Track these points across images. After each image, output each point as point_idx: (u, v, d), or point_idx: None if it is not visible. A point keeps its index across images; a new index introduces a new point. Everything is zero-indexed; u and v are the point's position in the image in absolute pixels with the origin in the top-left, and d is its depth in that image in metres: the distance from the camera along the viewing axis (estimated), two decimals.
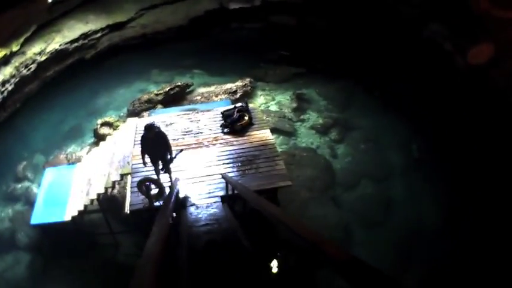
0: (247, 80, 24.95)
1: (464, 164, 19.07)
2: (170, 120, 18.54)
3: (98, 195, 15.40)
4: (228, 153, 16.45)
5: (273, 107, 23.75)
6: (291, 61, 27.42)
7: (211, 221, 12.43)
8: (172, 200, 10.36)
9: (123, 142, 17.31)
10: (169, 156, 13.95)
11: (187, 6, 29.81)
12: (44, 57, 23.23)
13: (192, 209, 13.70)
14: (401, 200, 18.77)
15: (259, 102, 23.89)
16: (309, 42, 28.50)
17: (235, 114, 17.62)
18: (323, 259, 4.53)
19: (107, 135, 19.48)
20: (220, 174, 14.84)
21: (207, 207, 13.80)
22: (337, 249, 4.39)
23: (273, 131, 18.43)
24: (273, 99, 24.43)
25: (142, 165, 14.02)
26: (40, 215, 16.06)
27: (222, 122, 17.93)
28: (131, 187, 14.98)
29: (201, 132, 17.69)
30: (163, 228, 6.87)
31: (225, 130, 17.55)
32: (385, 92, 23.75)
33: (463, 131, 20.13)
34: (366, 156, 20.88)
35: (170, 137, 14.29)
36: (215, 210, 13.44)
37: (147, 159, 13.76)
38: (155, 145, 13.35)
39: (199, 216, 13.01)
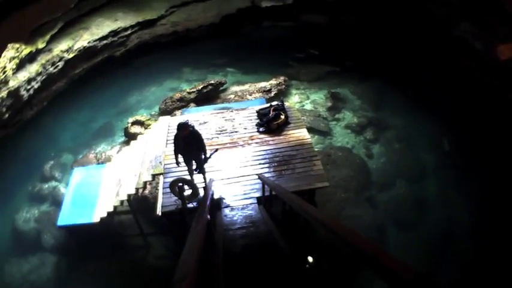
0: (282, 79, 24.53)
1: (497, 163, 18.89)
2: (204, 119, 18.10)
3: (129, 196, 14.95)
4: (263, 152, 15.97)
5: (308, 106, 23.34)
6: (324, 60, 27.11)
7: (247, 223, 12.08)
8: (208, 201, 9.83)
9: (155, 141, 16.87)
10: (203, 156, 13.46)
11: (219, 3, 29.55)
12: (71, 55, 22.82)
13: (227, 211, 13.32)
14: (434, 201, 18.54)
15: (294, 101, 23.47)
16: (341, 41, 28.16)
17: (271, 113, 17.16)
18: (376, 270, 4.35)
19: (138, 134, 19.20)
20: (256, 174, 14.39)
21: (243, 208, 13.42)
22: (397, 263, 4.18)
23: (309, 130, 17.79)
24: (308, 98, 24.03)
25: (175, 165, 13.62)
26: (67, 216, 15.61)
27: (258, 120, 17.47)
28: (163, 188, 14.56)
29: (236, 131, 17.21)
30: (200, 235, 6.46)
31: (261, 129, 17.07)
32: (418, 90, 23.53)
33: (496, 129, 19.90)
34: (400, 156, 20.59)
35: (204, 136, 13.74)
36: (251, 212, 13.08)
37: (181, 159, 13.31)
38: (189, 144, 12.84)
39: (235, 218, 12.66)
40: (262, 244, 10.25)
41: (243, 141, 16.65)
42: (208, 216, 9.82)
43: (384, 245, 16.52)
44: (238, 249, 10.06)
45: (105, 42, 25.03)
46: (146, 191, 17.57)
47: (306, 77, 25.90)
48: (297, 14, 29.94)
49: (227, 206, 13.68)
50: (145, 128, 19.97)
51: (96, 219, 15.05)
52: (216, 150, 14.60)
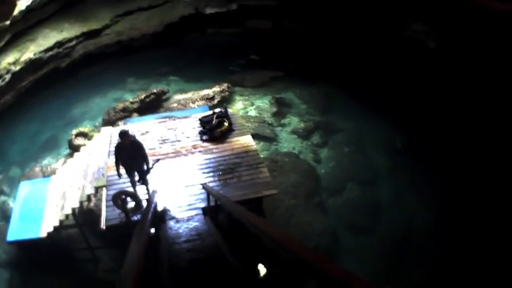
0: (225, 85, 24.64)
1: (450, 160, 19.29)
2: (146, 129, 18.00)
3: (73, 209, 14.90)
4: (208, 161, 15.87)
5: (252, 112, 23.42)
6: (269, 65, 27.22)
7: (193, 236, 11.93)
8: (150, 213, 9.85)
9: (97, 153, 16.79)
10: (145, 167, 13.31)
11: (163, 12, 29.93)
12: (18, 67, 22.93)
13: (172, 223, 13.13)
14: (388, 203, 18.75)
15: (238, 107, 23.49)
16: (286, 46, 28.42)
17: (214, 120, 17.07)
18: (317, 277, 4.32)
19: (81, 146, 18.90)
20: (201, 184, 14.35)
21: (188, 220, 13.23)
22: (334, 267, 4.11)
23: (254, 136, 17.87)
24: (252, 104, 24.08)
25: (117, 177, 13.44)
26: (16, 231, 15.56)
27: (201, 128, 17.37)
28: (106, 201, 14.33)
29: (179, 141, 17.11)
30: (141, 246, 6.45)
31: (204, 137, 16.98)
32: (366, 93, 23.56)
33: (448, 127, 20.45)
34: (350, 159, 20.75)
35: (146, 146, 13.72)
36: (197, 223, 12.91)
37: (122, 170, 13.19)
38: (130, 155, 12.74)
39: (180, 231, 12.48)
40: (210, 258, 10.17)
41: (186, 150, 16.53)
42: (153, 230, 9.86)
43: (338, 251, 16.89)
44: (184, 264, 9.95)
45: (50, 53, 25.16)
46: (91, 204, 17.36)
47: (250, 83, 25.99)
48: (241, 21, 30.10)
49: (172, 218, 13.48)
50: (89, 140, 19.76)
51: (43, 233, 14.99)
52: (158, 160, 14.45)
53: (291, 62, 27.18)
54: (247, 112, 23.36)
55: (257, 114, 23.10)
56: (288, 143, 21.60)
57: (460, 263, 15.78)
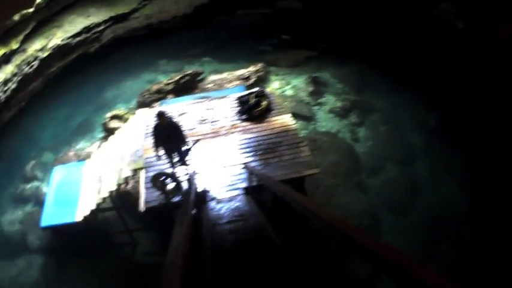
0: (260, 65, 24.13)
1: (485, 137, 18.79)
2: (183, 110, 17.63)
3: (110, 192, 14.70)
4: (247, 141, 15.55)
5: (289, 92, 22.97)
6: (302, 45, 26.66)
7: (235, 217, 11.55)
8: (192, 195, 9.43)
9: (133, 135, 16.54)
10: (184, 148, 13.03)
11: None
12: (46, 54, 22.73)
13: (213, 204, 12.83)
14: (425, 183, 18.33)
15: (274, 87, 22.98)
16: (318, 25, 27.71)
17: (252, 100, 16.69)
18: (373, 260, 4.15)
19: (117, 128, 18.68)
20: (243, 164, 14.06)
21: (230, 200, 12.90)
22: (389, 250, 3.99)
23: (292, 116, 17.24)
24: (288, 84, 23.63)
25: (155, 158, 13.23)
26: (50, 217, 15.33)
27: (239, 108, 16.99)
28: (145, 183, 14.12)
29: (218, 121, 16.78)
30: (186, 229, 6.27)
31: (243, 117, 16.63)
32: (400, 71, 22.92)
33: (480, 104, 19.83)
34: (387, 138, 20.33)
35: (184, 127, 13.33)
36: (239, 203, 12.55)
37: (161, 151, 12.90)
38: (168, 135, 12.46)
39: (222, 212, 12.13)
40: (253, 239, 9.79)
41: (225, 130, 16.24)
42: (194, 211, 9.45)
43: (377, 231, 16.46)
44: (227, 245, 9.61)
45: (78, 39, 24.88)
46: (129, 186, 17.07)
47: (284, 63, 25.51)
48: (272, 1, 29.46)
49: (213, 199, 13.20)
50: (124, 122, 19.42)
51: (79, 218, 14.76)
52: (197, 140, 14.24)
53: (324, 42, 26.46)
54: (283, 92, 22.92)
55: (294, 94, 22.69)
56: (325, 122, 21.16)
57: (495, 245, 15.31)
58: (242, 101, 17.03)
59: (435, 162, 19.01)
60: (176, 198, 12.99)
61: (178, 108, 17.72)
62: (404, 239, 15.93)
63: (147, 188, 13.80)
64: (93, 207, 14.60)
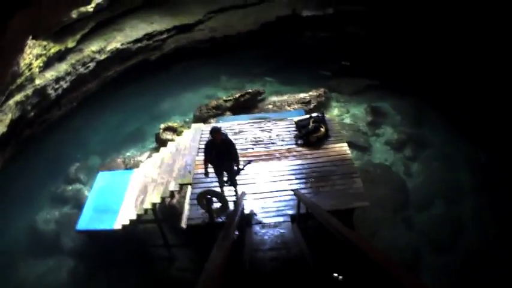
0: (322, 90, 23.78)
1: None
2: (239, 128, 17.36)
3: (153, 204, 14.25)
4: (301, 167, 14.96)
5: (348, 120, 22.63)
6: (363, 73, 26.31)
7: (278, 244, 11.11)
8: (237, 217, 8.94)
9: (185, 149, 16.17)
10: (235, 167, 12.53)
11: (258, 11, 29.44)
12: (103, 56, 22.71)
13: (257, 228, 12.29)
14: (470, 223, 17.77)
15: (334, 113, 22.73)
16: (381, 54, 27.34)
17: (311, 125, 16.15)
18: None
19: (169, 140, 18.38)
20: (292, 190, 13.39)
21: (275, 227, 12.38)
22: None
23: (348, 144, 16.84)
24: (348, 112, 23.33)
25: (204, 175, 12.68)
26: (87, 221, 15.00)
27: (296, 132, 16.53)
28: (191, 199, 13.73)
29: (273, 143, 16.36)
30: (225, 251, 5.81)
31: (299, 141, 16.13)
32: (457, 108, 22.47)
33: None
34: (438, 175, 19.76)
35: (238, 147, 13.01)
36: (284, 231, 12.05)
37: (211, 169, 12.46)
38: (221, 153, 11.93)
39: (266, 237, 11.65)
40: (294, 270, 9.32)
41: (280, 153, 15.77)
42: (237, 232, 9.00)
43: (418, 267, 16.07)
44: (266, 272, 9.22)
45: (139, 45, 24.89)
46: (174, 200, 16.72)
47: (346, 90, 25.20)
48: (338, 25, 29.29)
49: (258, 223, 12.68)
50: (178, 135, 19.17)
51: (117, 226, 14.36)
52: (250, 161, 13.68)
53: (385, 71, 26.02)
54: (342, 119, 22.53)
55: (352, 122, 22.30)
56: (380, 153, 20.75)
57: None
58: (300, 125, 16.51)
59: (481, 203, 18.43)
60: (221, 219, 12.56)
61: (234, 127, 17.46)
62: (444, 278, 15.61)
63: (191, 205, 13.41)
64: (134, 217, 14.23)
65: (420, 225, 17.62)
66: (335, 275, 7.68)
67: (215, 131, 11.41)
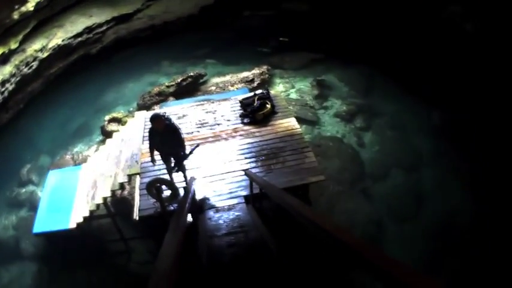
0: (265, 68, 23.73)
1: (491, 145, 18.39)
2: (183, 112, 17.08)
3: (104, 199, 13.96)
4: (250, 146, 14.86)
5: (294, 95, 22.52)
6: (308, 47, 26.35)
7: (235, 228, 10.84)
8: (188, 203, 8.80)
9: (130, 138, 15.88)
10: (182, 153, 12.34)
11: None
12: (46, 54, 22.20)
13: (211, 213, 12.14)
14: (431, 190, 17.86)
15: (279, 90, 22.48)
16: (324, 27, 27.45)
17: (256, 102, 16.09)
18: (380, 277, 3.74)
19: (114, 131, 18.10)
20: (243, 170, 13.30)
21: (229, 209, 12.22)
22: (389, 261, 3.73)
23: (296, 120, 16.74)
24: (293, 87, 23.24)
25: (152, 164, 12.57)
26: (43, 223, 14.78)
27: (241, 111, 16.40)
28: (140, 189, 13.51)
29: (219, 124, 16.13)
30: (178, 239, 5.64)
31: (245, 120, 15.97)
32: (406, 74, 22.64)
33: (488, 109, 19.47)
34: (394, 143, 19.91)
35: (184, 131, 13.16)
36: (239, 213, 11.87)
37: (157, 156, 12.36)
38: (165, 139, 11.76)
39: (221, 221, 11.43)
40: (253, 255, 9.14)
41: (227, 134, 15.54)
42: (190, 218, 8.87)
43: (382, 240, 16.10)
44: (225, 260, 8.99)
45: (80, 39, 24.41)
46: (125, 192, 16.63)
47: (289, 65, 25.17)
48: (277, 2, 29.27)
49: (211, 207, 12.55)
50: (123, 125, 19.12)
51: (72, 225, 14.19)
52: (198, 145, 13.32)
53: (329, 44, 26.10)
54: (288, 95, 22.46)
55: (298, 97, 22.20)
56: (331, 126, 20.69)
57: (501, 255, 14.91)
58: (245, 104, 16.42)
59: (441, 168, 18.62)
60: (172, 207, 12.30)
61: (178, 111, 17.20)
62: (409, 248, 15.58)
63: (141, 195, 13.17)
64: (86, 214, 13.99)
65: (379, 196, 17.71)
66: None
67: (154, 119, 11.23)
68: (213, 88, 22.71)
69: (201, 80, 23.54)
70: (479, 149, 18.32)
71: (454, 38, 20.89)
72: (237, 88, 22.03)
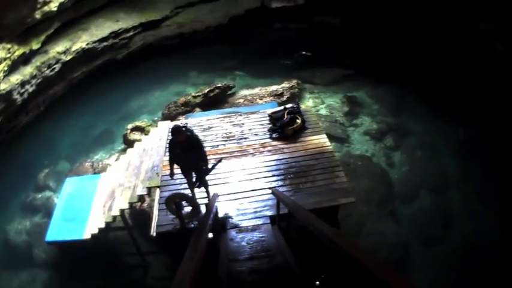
0: (294, 82, 23.18)
1: None
2: (209, 124, 16.53)
3: (122, 211, 13.48)
4: (277, 162, 14.16)
5: (323, 111, 22.02)
6: (338, 62, 25.84)
7: (258, 252, 10.08)
8: (210, 221, 8.12)
9: (153, 149, 15.42)
10: (204, 167, 11.68)
11: (227, 4, 28.77)
12: (69, 57, 21.78)
13: (233, 233, 11.47)
14: (459, 213, 17.46)
15: (309, 105, 22.04)
16: (355, 44, 26.98)
17: (286, 117, 15.39)
18: None
19: (137, 141, 17.69)
20: (270, 188, 12.60)
21: (253, 230, 11.55)
22: None
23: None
24: (323, 102, 22.73)
25: (170, 176, 12.01)
26: (56, 232, 14.23)
27: (270, 125, 15.78)
28: (159, 203, 12.91)
29: (246, 138, 15.52)
30: (197, 261, 5.13)
31: (274, 135, 15.33)
32: (438, 93, 22.02)
33: None
34: (423, 164, 19.38)
35: (208, 144, 12.53)
36: (263, 235, 11.15)
37: (177, 169, 11.73)
38: (186, 152, 11.09)
39: (243, 243, 10.71)
40: (279, 284, 8.31)
41: (254, 149, 14.94)
42: (211, 235, 8.19)
43: (408, 264, 15.67)
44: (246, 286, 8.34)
45: (105, 44, 24.09)
46: (145, 204, 16.16)
47: (320, 80, 24.66)
48: (309, 16, 28.91)
49: (234, 227, 11.88)
50: (145, 135, 18.50)
51: (87, 235, 13.61)
52: (220, 160, 12.75)
53: (359, 60, 25.69)
54: (317, 110, 21.86)
55: (328, 113, 21.72)
56: (360, 144, 20.21)
57: None
58: (274, 118, 15.81)
59: (469, 191, 18.11)
60: (192, 224, 11.79)
61: (203, 123, 16.68)
62: (435, 272, 15.17)
63: (160, 210, 12.55)
64: (102, 225, 13.49)
65: (407, 218, 17.25)
66: (317, 283, 7.00)
67: (174, 131, 10.56)
68: (241, 101, 22.24)
69: (229, 92, 23.06)
70: (507, 169, 17.80)
71: (484, 56, 20.43)
72: (265, 102, 21.47)
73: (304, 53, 27.30)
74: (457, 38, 21.76)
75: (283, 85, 22.85)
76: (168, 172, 12.65)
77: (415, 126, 21.30)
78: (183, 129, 10.72)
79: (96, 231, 13.49)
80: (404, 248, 15.96)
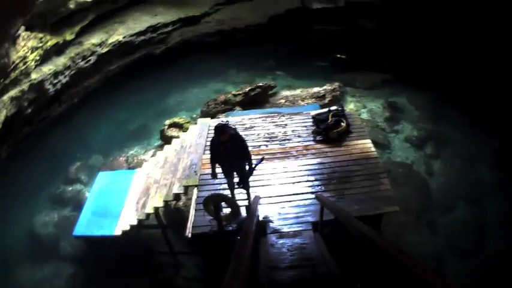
0: (336, 84, 22.86)
1: None
2: (250, 123, 16.15)
3: (156, 209, 13.15)
4: (321, 166, 13.68)
5: (365, 115, 21.59)
6: (379, 66, 25.51)
7: (300, 260, 9.55)
8: (254, 225, 7.66)
9: (191, 146, 15.04)
10: (247, 167, 11.19)
11: (267, 3, 28.47)
12: (105, 49, 21.81)
13: (274, 238, 10.98)
14: (495, 225, 16.88)
15: (352, 108, 21.76)
16: (396, 47, 26.54)
17: (331, 119, 14.95)
18: None
19: (174, 137, 17.35)
20: (313, 193, 12.16)
21: (295, 236, 11.03)
22: None
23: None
24: (364, 107, 22.34)
25: (211, 176, 11.56)
26: (85, 226, 14.06)
27: (314, 127, 15.30)
28: (196, 203, 12.47)
29: (289, 139, 15.08)
30: (244, 270, 4.82)
31: (318, 137, 14.87)
32: (478, 101, 21.49)
33: None
34: (461, 174, 18.90)
35: (251, 143, 12.24)
36: (304, 241, 10.62)
37: (218, 169, 11.30)
38: (229, 152, 10.59)
39: (284, 250, 10.20)
40: None
41: (297, 151, 14.48)
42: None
43: (444, 276, 14.87)
44: None
45: (143, 37, 24.09)
46: (180, 203, 15.77)
47: (361, 84, 24.32)
48: (350, 18, 28.57)
49: (274, 232, 11.41)
50: (183, 131, 18.23)
51: (117, 232, 13.40)
52: (263, 158, 12.12)
53: (401, 65, 25.14)
54: (359, 114, 21.09)
55: (370, 118, 21.35)
56: (401, 151, 19.83)
57: None
58: (318, 120, 15.33)
59: (508, 201, 17.52)
60: (231, 227, 11.36)
61: (245, 122, 16.32)
62: (470, 285, 14.76)
63: (197, 210, 12.16)
64: (134, 222, 13.23)
65: (443, 229, 16.79)
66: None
67: (220, 131, 10.09)
68: (282, 101, 21.91)
69: (270, 92, 22.76)
70: None
71: None
72: (307, 103, 21.13)
73: (339, 55, 27.26)
74: (502, 46, 21.46)
75: (325, 87, 22.53)
76: (206, 171, 12.63)
77: (454, 134, 20.90)
78: (228, 127, 10.27)
79: (127, 228, 13.28)
80: (438, 259, 15.62)
